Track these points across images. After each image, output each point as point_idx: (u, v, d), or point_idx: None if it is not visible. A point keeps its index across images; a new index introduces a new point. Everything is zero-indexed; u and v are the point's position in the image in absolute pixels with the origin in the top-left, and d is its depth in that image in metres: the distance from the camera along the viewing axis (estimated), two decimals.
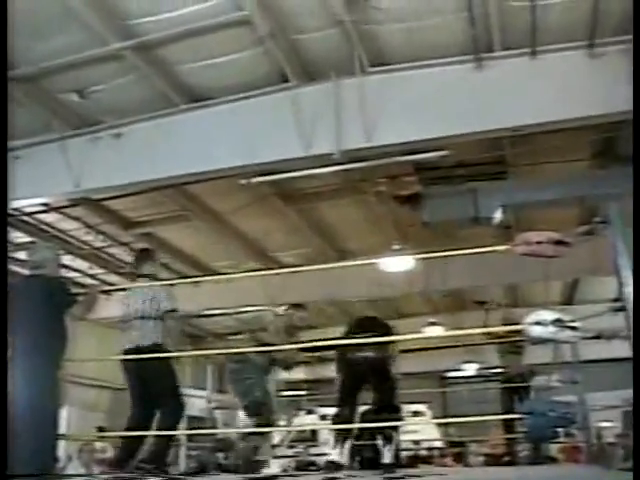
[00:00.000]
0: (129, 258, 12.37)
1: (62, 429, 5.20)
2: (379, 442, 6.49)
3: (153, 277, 6.38)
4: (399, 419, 7.05)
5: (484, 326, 10.01)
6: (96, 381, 13.94)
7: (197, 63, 7.15)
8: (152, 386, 5.84)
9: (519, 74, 6.85)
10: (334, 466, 6.20)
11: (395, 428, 6.76)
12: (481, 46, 6.77)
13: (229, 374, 7.31)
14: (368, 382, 6.63)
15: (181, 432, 15.62)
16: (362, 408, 6.92)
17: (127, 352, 5.87)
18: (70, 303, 5.20)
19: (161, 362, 5.77)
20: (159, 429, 5.76)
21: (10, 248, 10.73)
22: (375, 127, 6.97)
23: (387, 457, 6.32)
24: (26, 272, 5.62)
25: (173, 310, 6.00)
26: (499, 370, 10.89)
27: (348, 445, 6.36)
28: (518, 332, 9.23)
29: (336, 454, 6.25)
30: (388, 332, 6.64)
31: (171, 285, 11.41)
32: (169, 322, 5.95)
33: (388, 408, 6.53)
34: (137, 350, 5.79)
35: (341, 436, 6.34)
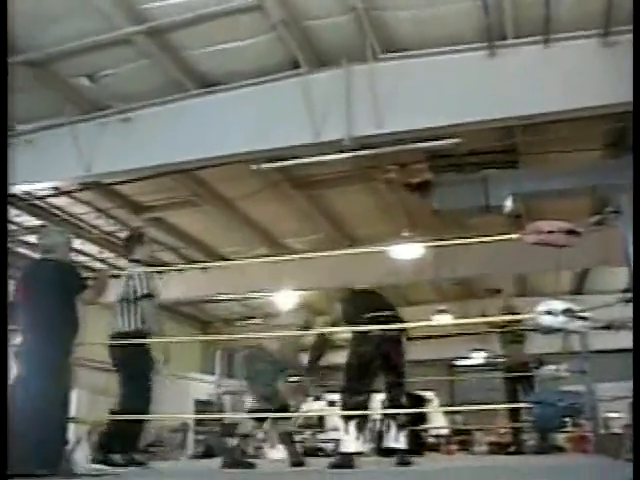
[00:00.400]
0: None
1: (72, 412, 5.22)
2: (393, 429, 6.37)
3: (144, 261, 6.37)
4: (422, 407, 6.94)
5: (483, 315, 9.99)
6: (106, 364, 13.99)
7: (208, 48, 7.13)
8: (124, 370, 5.95)
9: (532, 62, 6.80)
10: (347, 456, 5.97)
11: (421, 416, 6.62)
12: (494, 34, 6.72)
13: (251, 373, 7.06)
14: (384, 361, 6.38)
15: (189, 416, 15.70)
16: (382, 395, 6.74)
17: (110, 337, 6.01)
18: (81, 287, 5.21)
19: (136, 348, 5.80)
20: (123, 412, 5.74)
21: (21, 232, 10.80)
22: (386, 114, 6.95)
23: (402, 443, 6.18)
24: (37, 256, 5.62)
25: (149, 294, 6.01)
26: (502, 359, 10.91)
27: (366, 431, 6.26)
28: (519, 321, 9.31)
29: (351, 441, 6.01)
30: (394, 310, 6.55)
31: (179, 270, 11.50)
32: (145, 306, 5.96)
33: (409, 395, 6.41)
34: (117, 335, 5.93)
35: (359, 422, 6.11)
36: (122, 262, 13.20)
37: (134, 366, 5.91)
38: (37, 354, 4.73)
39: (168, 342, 6.27)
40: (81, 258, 12.86)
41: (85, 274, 6.22)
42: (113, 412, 5.90)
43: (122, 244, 7.20)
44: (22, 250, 11.29)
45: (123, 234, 12.34)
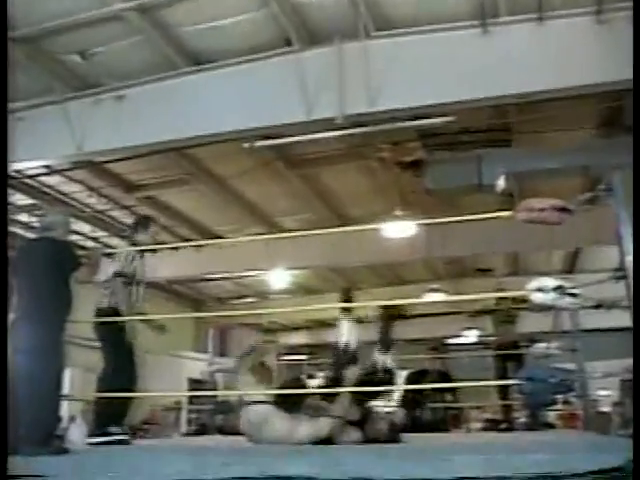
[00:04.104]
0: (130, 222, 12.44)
1: (66, 390, 5.24)
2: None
3: (144, 246, 6.41)
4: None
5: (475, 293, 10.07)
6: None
7: (200, 25, 7.09)
8: (105, 346, 6.10)
9: (525, 40, 6.78)
10: None
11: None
12: (487, 12, 6.70)
13: None
14: None
15: (180, 394, 15.77)
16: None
17: (94, 313, 6.08)
18: (76, 266, 5.20)
19: (112, 325, 5.91)
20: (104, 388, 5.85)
21: (13, 210, 10.76)
22: (379, 92, 6.93)
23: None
24: (34, 235, 5.59)
25: (120, 274, 6.06)
26: (492, 338, 11.00)
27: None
28: (509, 300, 9.36)
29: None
30: None
31: (173, 249, 11.48)
32: (116, 285, 6.03)
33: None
34: (97, 311, 6.03)
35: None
36: (115, 241, 13.27)
37: (112, 342, 6.02)
38: (31, 331, 4.72)
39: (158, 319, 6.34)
40: (73, 237, 12.82)
41: (79, 253, 6.22)
42: (99, 389, 5.94)
43: (130, 225, 7.28)
44: (14, 229, 11.24)
45: (116, 212, 12.38)
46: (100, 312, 5.99)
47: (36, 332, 4.73)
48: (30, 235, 5.71)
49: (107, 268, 6.13)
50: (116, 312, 5.95)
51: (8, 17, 5.96)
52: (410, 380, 8.90)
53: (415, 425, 8.40)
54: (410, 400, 7.99)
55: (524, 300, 4.36)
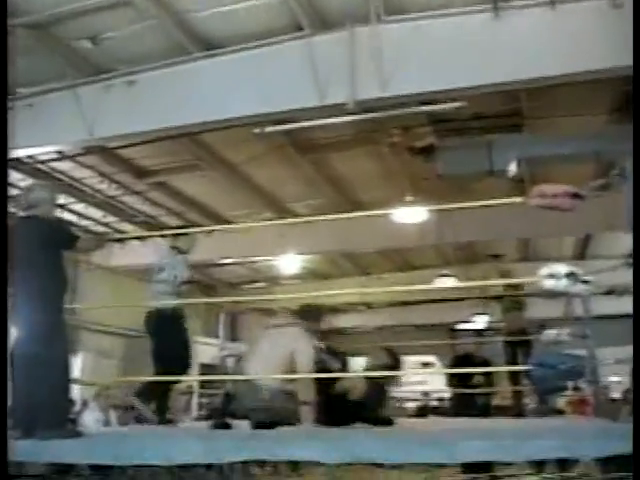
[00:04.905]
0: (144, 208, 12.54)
1: (77, 374, 5.25)
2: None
3: (184, 251, 6.79)
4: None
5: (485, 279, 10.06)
6: (111, 328, 14.11)
7: (212, 10, 7.06)
8: (161, 344, 6.41)
9: (538, 25, 6.72)
10: None
11: None
12: None
13: None
14: None
15: (192, 378, 15.88)
16: None
17: (148, 313, 6.47)
18: (66, 243, 5.06)
19: (174, 325, 6.38)
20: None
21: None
22: (390, 77, 6.90)
23: None
24: (20, 214, 5.42)
25: (189, 281, 6.63)
26: (502, 324, 10.97)
27: None
28: (518, 287, 9.33)
29: None
30: None
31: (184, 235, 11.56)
32: (182, 289, 6.52)
33: None
34: (153, 312, 6.42)
35: None
36: (126, 227, 13.32)
37: (170, 337, 6.42)
38: (27, 313, 4.64)
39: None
40: (84, 222, 12.89)
41: (71, 229, 6.22)
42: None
43: (170, 232, 7.68)
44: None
45: (126, 197, 12.42)
46: (159, 312, 6.34)
47: (33, 313, 4.64)
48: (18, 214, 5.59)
49: (161, 273, 6.53)
50: (180, 313, 6.47)
51: (8, 6, 5.94)
52: (454, 364, 9.14)
53: (464, 409, 8.65)
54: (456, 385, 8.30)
55: (535, 286, 4.35)
